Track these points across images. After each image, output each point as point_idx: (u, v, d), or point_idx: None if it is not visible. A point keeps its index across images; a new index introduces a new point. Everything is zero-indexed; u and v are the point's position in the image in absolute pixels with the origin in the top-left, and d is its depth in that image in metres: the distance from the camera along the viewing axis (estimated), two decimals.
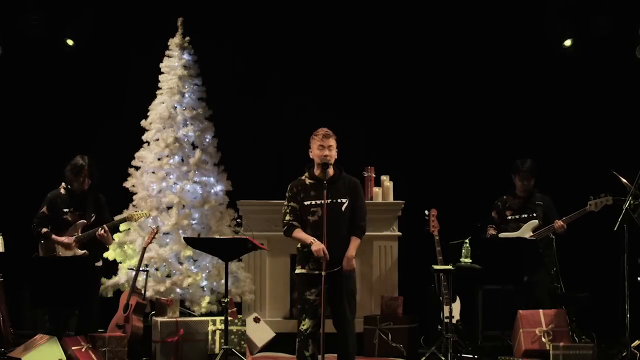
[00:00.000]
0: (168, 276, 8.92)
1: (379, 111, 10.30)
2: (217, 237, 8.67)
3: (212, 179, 9.20)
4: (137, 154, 9.16)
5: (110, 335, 8.04)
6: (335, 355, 6.85)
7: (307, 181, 6.91)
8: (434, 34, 10.17)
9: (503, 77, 10.08)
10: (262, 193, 9.62)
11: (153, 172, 9.10)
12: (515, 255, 7.77)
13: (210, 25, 10.09)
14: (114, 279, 8.94)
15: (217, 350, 8.22)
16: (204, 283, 8.95)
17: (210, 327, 8.33)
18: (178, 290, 8.83)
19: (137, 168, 9.16)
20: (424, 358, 8.40)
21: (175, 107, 9.21)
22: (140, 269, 8.51)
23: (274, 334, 8.98)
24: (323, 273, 6.64)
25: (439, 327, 8.46)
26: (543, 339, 7.78)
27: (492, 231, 8.52)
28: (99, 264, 8.32)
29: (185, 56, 9.27)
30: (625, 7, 9.61)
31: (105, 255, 8.72)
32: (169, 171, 9.10)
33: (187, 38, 9.28)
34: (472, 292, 9.25)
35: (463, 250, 7.80)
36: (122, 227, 8.75)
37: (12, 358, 7.54)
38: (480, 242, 8.01)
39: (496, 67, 10.08)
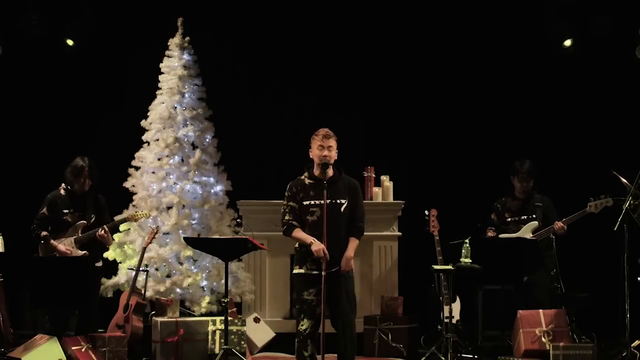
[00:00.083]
0: (168, 276, 8.92)
1: (379, 111, 10.30)
2: (217, 237, 8.67)
3: (212, 179, 9.20)
4: (137, 154, 9.16)
5: (110, 335, 8.05)
6: (335, 355, 6.85)
7: (307, 181, 6.91)
8: (434, 34, 10.17)
9: (503, 77, 10.08)
10: (262, 193, 9.63)
11: (153, 172, 9.10)
12: (515, 255, 7.77)
13: (210, 26, 10.09)
14: (114, 279, 8.94)
15: (217, 350, 8.22)
16: (204, 283, 8.96)
17: (210, 327, 8.33)
18: (178, 290, 8.84)
19: (137, 168, 9.16)
20: (424, 358, 8.40)
21: (175, 107, 9.22)
22: (140, 269, 8.51)
23: (274, 334, 8.99)
24: (323, 273, 6.64)
25: (439, 327, 8.46)
26: (543, 339, 7.78)
27: (491, 233, 8.51)
28: (99, 264, 8.32)
29: (185, 56, 9.27)
30: (625, 7, 9.61)
31: (105, 255, 8.72)
32: (169, 171, 9.10)
33: (187, 38, 9.29)
34: (472, 292, 9.25)
35: (463, 250, 7.80)
36: (122, 227, 8.75)
37: (12, 358, 7.54)
38: (480, 242, 8.01)
39: (496, 67, 10.08)
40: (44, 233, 8.05)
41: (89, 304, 7.83)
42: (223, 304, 7.67)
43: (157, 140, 9.14)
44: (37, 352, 7.40)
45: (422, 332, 9.11)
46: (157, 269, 8.91)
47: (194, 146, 9.21)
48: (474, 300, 9.28)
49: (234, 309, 8.79)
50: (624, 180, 7.73)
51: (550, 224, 8.30)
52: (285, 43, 10.21)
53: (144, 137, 9.17)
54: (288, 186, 6.96)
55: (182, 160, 9.16)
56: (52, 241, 8.03)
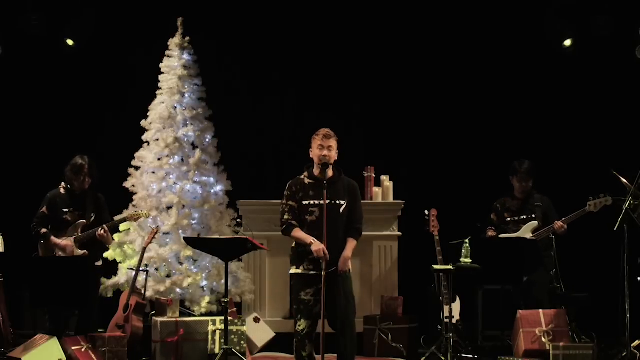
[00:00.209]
0: (168, 276, 8.92)
1: (379, 111, 10.30)
2: (217, 237, 8.67)
3: (212, 179, 9.19)
4: (137, 154, 9.16)
5: (110, 335, 8.05)
6: (335, 355, 6.85)
7: (307, 181, 6.91)
8: (434, 34, 10.17)
9: (503, 78, 10.08)
10: (262, 193, 9.63)
11: (153, 172, 9.10)
12: (515, 255, 7.77)
13: (210, 25, 10.09)
14: (114, 279, 8.94)
15: (217, 350, 8.22)
16: (204, 283, 8.95)
17: (210, 327, 8.33)
18: (178, 290, 8.83)
19: (137, 168, 9.16)
20: (424, 358, 8.40)
21: (175, 107, 9.21)
22: (140, 269, 8.51)
23: (273, 334, 8.98)
24: (323, 273, 6.64)
25: (439, 327, 8.46)
26: (543, 339, 7.78)
27: (491, 233, 8.52)
28: (99, 263, 8.33)
29: (185, 56, 9.27)
30: (625, 7, 9.61)
31: (105, 255, 8.72)
32: (169, 171, 9.09)
33: (187, 38, 9.28)
34: (472, 292, 9.25)
35: (463, 250, 7.81)
36: (122, 227, 8.75)
37: (12, 358, 7.54)
38: (480, 242, 8.02)
39: (496, 67, 10.08)
40: (44, 230, 8.06)
41: (88, 303, 7.83)
42: (223, 304, 7.67)
43: (157, 140, 9.14)
44: (37, 352, 7.40)
45: (422, 332, 9.11)
46: (157, 269, 8.90)
47: (194, 146, 9.21)
48: (474, 300, 9.28)
49: (234, 309, 8.79)
50: (624, 180, 7.73)
51: (550, 223, 8.30)
52: (285, 43, 10.21)
53: (144, 137, 9.16)
54: (287, 185, 6.96)
55: (182, 160, 9.16)
56: (52, 238, 8.03)
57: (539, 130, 10.03)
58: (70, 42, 9.97)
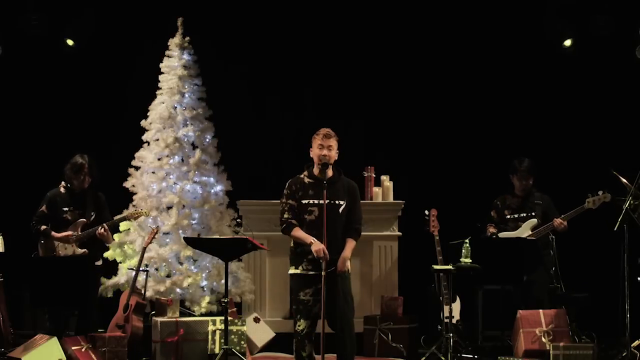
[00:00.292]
0: (168, 276, 8.92)
1: (379, 111, 10.30)
2: (217, 237, 8.67)
3: (212, 179, 9.19)
4: (137, 154, 9.16)
5: (110, 335, 8.05)
6: (335, 355, 6.84)
7: (306, 180, 6.90)
8: (434, 34, 10.17)
9: (503, 77, 10.08)
10: (262, 193, 9.63)
11: (153, 172, 9.10)
12: (515, 255, 7.78)
13: (210, 25, 10.09)
14: (114, 279, 8.94)
15: (217, 350, 8.22)
16: (204, 283, 8.95)
17: (210, 327, 8.33)
18: (178, 290, 8.83)
19: (137, 168, 9.16)
20: (424, 358, 8.40)
21: (175, 107, 9.21)
22: (140, 269, 8.51)
23: (273, 334, 8.98)
24: (323, 273, 6.64)
25: (439, 327, 8.46)
26: (543, 339, 7.78)
27: (492, 229, 8.52)
28: (99, 263, 8.33)
29: (185, 56, 9.27)
30: (625, 7, 9.61)
31: (105, 255, 8.72)
32: (169, 171, 9.09)
33: (187, 38, 9.28)
34: (472, 292, 9.24)
35: (463, 250, 7.81)
36: (122, 226, 8.75)
37: (12, 358, 7.54)
38: (480, 242, 8.02)
39: (496, 67, 10.08)
40: (44, 227, 8.06)
41: (88, 303, 7.83)
42: (223, 304, 7.67)
43: (157, 140, 9.14)
44: (37, 352, 7.40)
45: (422, 332, 9.11)
46: (157, 269, 8.90)
47: (194, 146, 9.21)
48: (474, 300, 9.28)
49: (234, 309, 8.78)
50: (624, 180, 7.74)
51: (550, 222, 8.30)
52: (285, 43, 10.21)
53: (144, 137, 9.16)
54: (287, 184, 6.95)
55: (182, 160, 9.16)
56: (52, 232, 8.03)
57: (539, 130, 10.03)
58: (70, 42, 9.97)
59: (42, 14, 9.77)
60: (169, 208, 9.01)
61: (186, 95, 9.26)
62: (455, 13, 10.12)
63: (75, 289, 7.50)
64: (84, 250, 8.08)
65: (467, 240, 7.82)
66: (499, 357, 7.86)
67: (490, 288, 9.14)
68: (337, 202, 6.82)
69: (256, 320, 8.96)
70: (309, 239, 6.73)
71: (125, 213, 8.64)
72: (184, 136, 9.15)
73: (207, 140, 9.25)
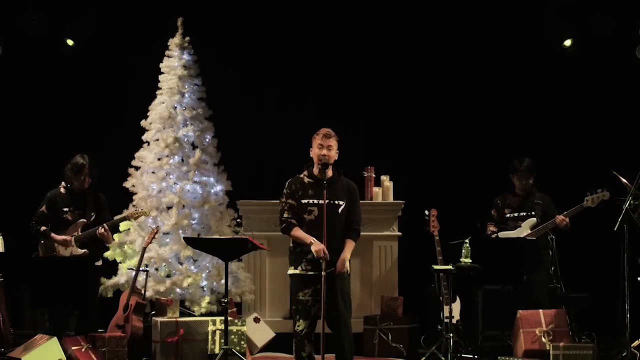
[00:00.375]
0: (168, 276, 8.92)
1: (379, 111, 10.30)
2: (217, 237, 8.67)
3: (212, 179, 9.20)
4: (137, 154, 9.16)
5: (110, 335, 8.05)
6: (334, 355, 6.84)
7: (306, 180, 6.90)
8: (434, 34, 10.17)
9: (503, 77, 10.08)
10: (262, 193, 9.63)
11: (153, 172, 9.10)
12: (515, 255, 7.78)
13: (210, 26, 10.09)
14: (114, 279, 8.94)
15: (217, 350, 8.22)
16: (204, 283, 8.95)
17: (210, 327, 8.32)
18: (178, 290, 8.83)
19: (137, 168, 9.16)
20: (424, 358, 8.39)
21: (175, 107, 9.21)
22: (140, 269, 8.51)
23: (273, 334, 8.98)
24: (323, 273, 6.63)
25: (439, 327, 8.46)
26: (543, 339, 7.78)
27: (492, 227, 8.53)
28: (99, 263, 8.33)
29: (185, 56, 9.27)
30: (625, 7, 9.61)
31: (105, 255, 8.72)
32: (169, 171, 9.10)
33: (187, 38, 9.28)
34: (472, 292, 9.24)
35: (463, 250, 7.81)
36: (122, 227, 8.75)
37: (12, 358, 7.54)
38: (480, 242, 8.02)
39: (496, 67, 10.09)
40: (43, 228, 8.06)
41: (88, 303, 7.83)
42: (223, 304, 7.66)
43: (157, 140, 9.14)
44: (37, 352, 7.40)
45: (422, 332, 9.11)
46: (157, 269, 8.90)
47: (194, 146, 9.21)
48: (474, 300, 9.28)
49: (234, 309, 8.78)
50: (624, 180, 7.73)
51: (549, 221, 8.31)
52: (285, 43, 10.21)
53: (144, 137, 9.16)
54: (287, 183, 6.94)
55: (182, 160, 9.16)
56: (52, 234, 8.03)
57: (539, 130, 10.03)
58: (70, 42, 9.97)
59: (42, 14, 9.77)
60: (169, 208, 9.02)
61: (186, 95, 9.27)
62: (455, 13, 10.12)
63: (75, 289, 7.50)
64: (84, 250, 8.08)
65: (467, 240, 7.83)
66: (499, 357, 7.86)
67: (490, 288, 9.14)
68: (336, 202, 6.82)
69: (256, 320, 8.96)
70: (309, 239, 6.72)
71: (126, 213, 8.64)
72: (184, 136, 9.15)
73: (207, 140, 9.25)
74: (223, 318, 7.73)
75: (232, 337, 8.20)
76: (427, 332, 9.02)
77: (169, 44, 9.29)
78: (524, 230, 8.35)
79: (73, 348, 7.55)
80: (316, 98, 10.21)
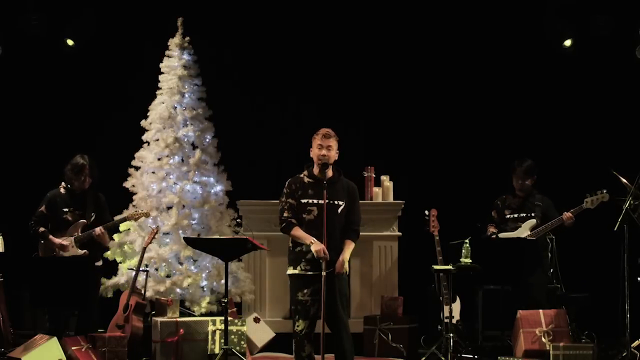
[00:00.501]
0: (168, 276, 8.92)
1: (379, 111, 10.30)
2: (217, 237, 8.67)
3: (212, 179, 9.20)
4: (137, 154, 9.16)
5: (110, 335, 8.04)
6: (333, 355, 6.84)
7: (306, 179, 6.89)
8: (434, 34, 10.17)
9: (503, 77, 10.08)
10: (262, 193, 9.62)
11: (153, 172, 9.10)
12: (515, 255, 7.78)
13: (210, 26, 10.09)
14: (114, 279, 8.94)
15: (217, 350, 8.22)
16: (204, 283, 8.96)
17: (210, 327, 8.32)
18: (178, 290, 8.84)
19: (137, 168, 9.17)
20: (424, 358, 8.40)
21: (175, 107, 9.22)
22: (140, 269, 8.51)
23: (273, 334, 8.98)
24: (323, 273, 6.63)
25: (439, 327, 8.46)
26: (543, 339, 7.78)
27: (492, 229, 8.53)
28: (99, 263, 8.33)
29: (185, 56, 9.27)
30: (625, 7, 9.61)
31: (105, 255, 8.72)
32: (169, 171, 9.10)
33: (187, 38, 9.28)
34: (472, 292, 9.24)
35: (463, 250, 7.81)
36: (122, 227, 8.75)
37: (12, 358, 7.53)
38: (480, 242, 8.02)
39: (496, 67, 10.09)
40: (42, 229, 8.05)
41: (88, 304, 7.83)
42: (223, 304, 7.66)
43: (157, 140, 9.15)
44: (37, 352, 7.39)
45: (422, 332, 9.11)
46: (157, 269, 8.91)
47: (194, 146, 9.21)
48: (474, 300, 9.27)
49: (234, 309, 8.79)
50: (624, 180, 7.73)
51: (548, 222, 8.32)
52: (285, 43, 10.21)
53: (144, 137, 9.17)
54: (287, 183, 6.93)
55: (182, 160, 9.17)
56: (50, 236, 8.03)
57: (539, 130, 10.03)
58: (70, 42, 9.97)
59: (42, 14, 9.77)
60: (169, 208, 9.02)
61: (186, 95, 9.27)
62: (455, 13, 10.12)
63: (75, 289, 7.50)
64: (84, 251, 8.07)
65: (467, 241, 7.82)
66: (499, 357, 7.85)
67: (490, 288, 9.14)
68: (336, 202, 6.81)
69: (256, 320, 8.96)
70: (308, 238, 6.72)
71: (126, 214, 8.64)
72: (184, 136, 9.16)
73: (207, 140, 9.25)
74: (223, 318, 7.73)
75: (232, 337, 8.20)
76: (427, 332, 9.02)
77: (169, 44, 9.29)
78: (523, 232, 8.35)
79: (73, 348, 7.55)
80: (316, 98, 10.21)
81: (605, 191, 8.12)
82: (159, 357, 8.33)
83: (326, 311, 6.67)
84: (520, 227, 8.41)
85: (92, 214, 8.17)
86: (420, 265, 8.80)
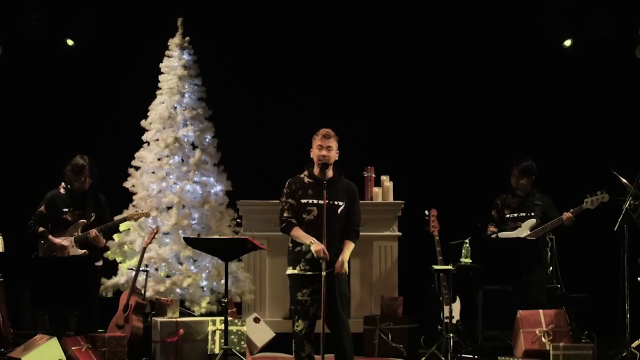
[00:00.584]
0: (168, 276, 8.92)
1: (379, 111, 10.30)
2: (217, 237, 8.67)
3: (212, 179, 9.20)
4: (137, 154, 9.17)
5: (110, 335, 8.04)
6: (333, 355, 6.84)
7: (306, 180, 6.89)
8: (434, 34, 10.17)
9: (503, 77, 10.08)
10: (262, 193, 9.62)
11: (153, 172, 9.11)
12: (515, 255, 7.78)
13: (210, 26, 10.09)
14: (114, 279, 8.95)
15: (217, 350, 8.22)
16: (204, 283, 8.96)
17: (210, 327, 8.32)
18: (178, 290, 8.84)
19: (137, 168, 9.17)
20: (424, 358, 8.40)
21: (175, 107, 9.22)
22: (140, 269, 8.51)
23: (273, 334, 8.98)
24: (323, 273, 6.63)
25: (439, 327, 8.46)
26: (543, 339, 7.78)
27: (492, 228, 8.53)
28: (99, 263, 8.32)
29: (185, 56, 9.28)
30: (625, 7, 9.61)
31: (105, 255, 8.72)
32: (169, 171, 9.10)
33: (187, 38, 9.29)
34: (472, 292, 9.24)
35: (463, 250, 7.81)
36: (122, 227, 8.75)
37: (12, 358, 7.53)
38: (480, 242, 8.02)
39: (496, 67, 10.09)
40: (41, 229, 8.05)
41: (88, 304, 7.83)
42: (223, 304, 7.66)
43: (157, 140, 9.15)
44: (37, 352, 7.39)
45: (422, 332, 9.11)
46: (157, 269, 8.91)
47: (194, 146, 9.22)
48: (474, 300, 9.27)
49: (234, 309, 8.79)
50: (624, 180, 7.73)
51: (548, 222, 8.31)
52: (285, 43, 10.21)
53: (144, 137, 9.17)
54: (287, 183, 6.93)
55: (182, 160, 9.17)
56: (50, 236, 8.03)
57: (539, 130, 10.03)
58: (70, 42, 9.97)
59: (42, 14, 9.78)
60: (169, 208, 9.02)
61: (186, 95, 9.27)
62: (455, 13, 10.12)
63: (75, 289, 7.50)
64: (84, 251, 8.07)
65: (467, 240, 7.82)
66: (499, 357, 7.85)
67: (490, 288, 9.14)
68: (336, 202, 6.80)
69: (256, 320, 8.96)
70: (308, 239, 6.71)
71: (126, 214, 8.64)
72: (184, 136, 9.16)
73: (207, 140, 9.26)
74: (223, 318, 7.72)
75: (232, 337, 8.21)
76: (427, 332, 9.02)
77: (169, 44, 9.30)
78: (523, 231, 8.36)
79: (73, 348, 7.55)
80: (316, 98, 10.21)
81: (605, 192, 8.12)
82: (159, 357, 8.33)
83: (326, 311, 6.67)
84: (520, 226, 8.41)
85: (92, 214, 8.16)
86: (420, 265, 8.80)
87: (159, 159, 9.13)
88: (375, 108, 10.30)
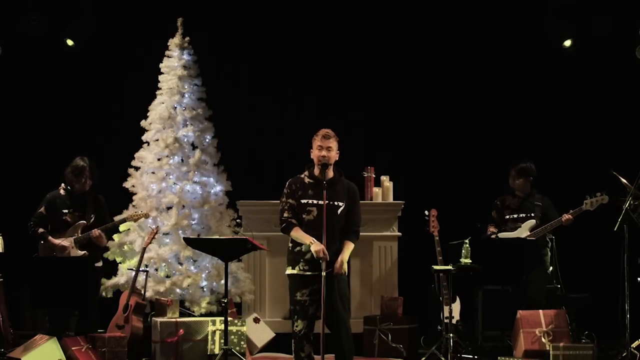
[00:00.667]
0: (168, 276, 8.92)
1: (379, 111, 10.31)
2: (217, 237, 8.66)
3: (212, 179, 9.20)
4: (137, 154, 9.16)
5: (110, 335, 8.04)
6: (333, 355, 6.84)
7: (306, 180, 6.88)
8: (434, 34, 10.18)
9: (503, 77, 10.08)
10: (262, 193, 9.62)
11: (153, 173, 9.11)
12: (515, 255, 7.78)
13: (210, 26, 10.09)
14: (114, 279, 8.95)
15: (217, 350, 8.22)
16: (204, 283, 8.96)
17: (210, 328, 8.33)
18: (178, 290, 8.84)
19: (137, 168, 9.17)
20: (424, 358, 8.40)
21: (175, 108, 9.22)
22: (140, 269, 8.51)
23: (273, 334, 8.98)
24: (323, 273, 6.62)
25: (439, 327, 8.46)
26: (543, 340, 7.78)
27: (492, 229, 8.53)
28: (99, 264, 8.33)
29: (185, 56, 9.27)
30: (625, 7, 9.61)
31: (105, 255, 8.72)
32: (169, 171, 9.10)
33: (187, 38, 9.29)
34: (472, 292, 9.24)
35: (463, 250, 7.81)
36: (122, 227, 8.75)
37: (12, 358, 7.53)
38: (480, 242, 8.02)
39: (496, 67, 10.09)
40: (41, 230, 8.05)
41: (88, 304, 7.83)
42: (223, 304, 7.66)
43: (157, 140, 9.15)
44: (37, 352, 7.39)
45: (422, 332, 9.10)
46: (156, 269, 8.91)
47: (193, 146, 9.22)
48: (474, 300, 9.27)
49: (234, 309, 8.79)
50: (624, 180, 7.73)
51: (548, 222, 8.31)
52: (285, 43, 10.21)
53: (143, 137, 9.17)
54: (287, 183, 6.92)
55: (182, 160, 9.17)
56: (49, 237, 8.03)
57: (539, 130, 10.03)
58: (70, 42, 9.97)
59: (42, 14, 9.78)
60: (169, 208, 9.02)
61: (186, 96, 9.27)
62: (456, 13, 10.12)
63: (75, 289, 7.50)
64: (83, 252, 8.07)
65: (467, 241, 7.82)
66: (499, 357, 7.86)
67: (490, 288, 9.13)
68: (336, 203, 6.80)
69: (256, 320, 8.96)
70: (308, 239, 6.71)
71: (126, 214, 8.64)
72: (184, 136, 9.16)
73: (207, 140, 9.26)
74: (223, 318, 7.73)
75: (232, 337, 8.21)
76: (427, 332, 9.02)
77: (169, 44, 9.30)
78: (523, 232, 8.36)
79: (73, 348, 7.55)
80: (316, 98, 10.21)
81: (604, 193, 8.12)
82: (158, 358, 8.33)
83: (325, 311, 6.67)
84: (520, 227, 8.42)
85: (92, 215, 8.17)
86: (420, 265, 8.80)
87: (158, 159, 9.13)
88: (375, 108, 10.30)
